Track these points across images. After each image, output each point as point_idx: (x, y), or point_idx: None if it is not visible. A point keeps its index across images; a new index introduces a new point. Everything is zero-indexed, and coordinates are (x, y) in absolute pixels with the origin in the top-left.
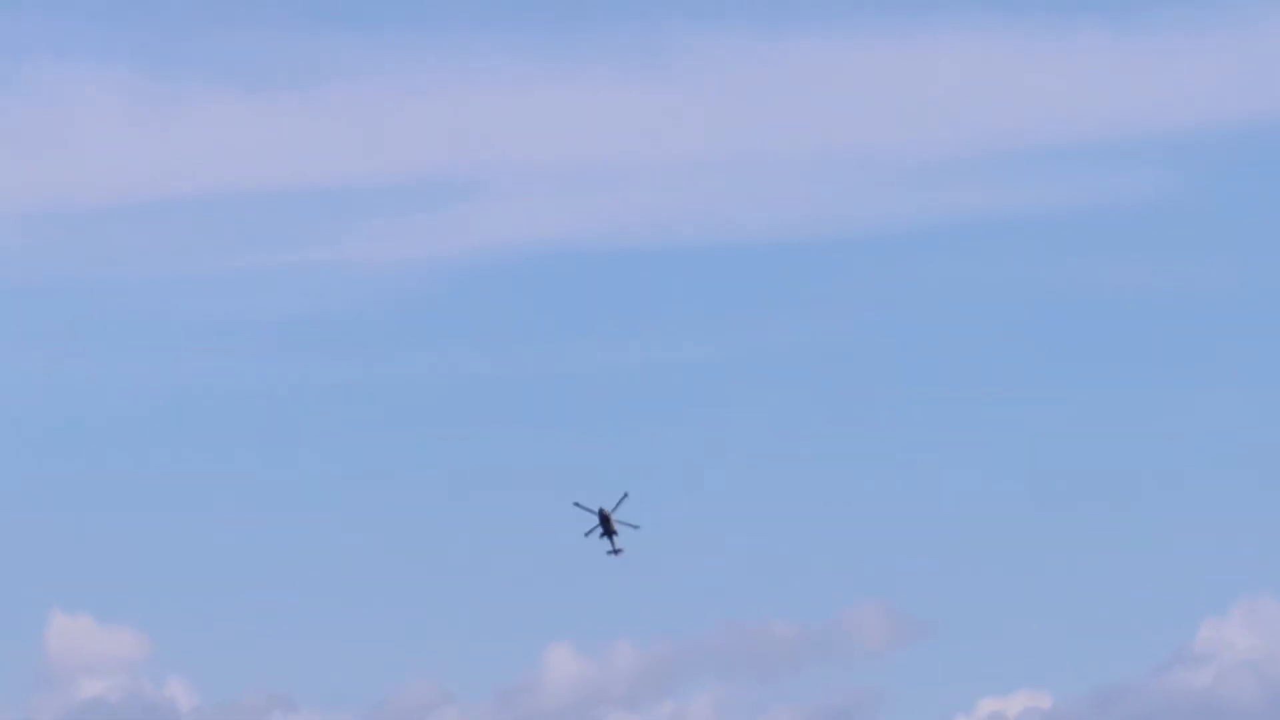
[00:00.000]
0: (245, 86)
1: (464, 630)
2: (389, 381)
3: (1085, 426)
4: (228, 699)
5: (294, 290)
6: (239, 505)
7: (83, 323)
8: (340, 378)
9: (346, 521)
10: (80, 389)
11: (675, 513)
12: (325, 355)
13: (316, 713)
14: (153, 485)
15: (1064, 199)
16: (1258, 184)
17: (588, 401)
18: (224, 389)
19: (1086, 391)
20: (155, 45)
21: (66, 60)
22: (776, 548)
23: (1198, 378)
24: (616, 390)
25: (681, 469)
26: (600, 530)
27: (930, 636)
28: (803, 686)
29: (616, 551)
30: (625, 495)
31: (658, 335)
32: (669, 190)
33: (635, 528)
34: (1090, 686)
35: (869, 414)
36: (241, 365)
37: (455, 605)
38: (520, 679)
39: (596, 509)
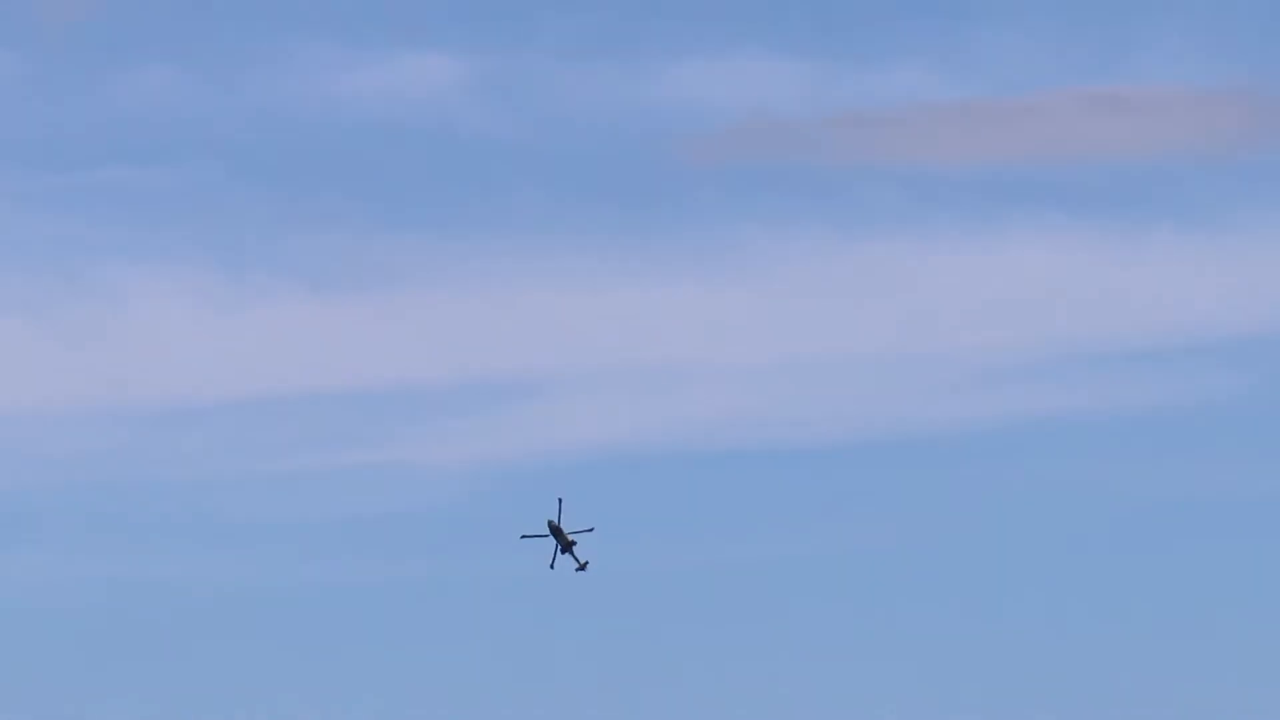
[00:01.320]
0: (312, 287)
1: None
2: (456, 582)
3: (1154, 631)
4: None
5: (361, 491)
6: (300, 703)
7: (148, 523)
8: (408, 577)
9: None
10: (145, 588)
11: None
12: (392, 556)
13: None
14: (218, 683)
15: (1135, 401)
16: None
17: (650, 602)
18: (288, 589)
19: (1160, 596)
20: (224, 245)
21: (137, 261)
22: None
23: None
24: (679, 591)
25: (743, 670)
26: (558, 548)
27: None
28: None
29: (583, 566)
30: (561, 500)
31: (725, 538)
32: (738, 393)
33: (589, 530)
34: None
35: (938, 617)
36: (307, 565)
37: None
38: None
39: (545, 529)
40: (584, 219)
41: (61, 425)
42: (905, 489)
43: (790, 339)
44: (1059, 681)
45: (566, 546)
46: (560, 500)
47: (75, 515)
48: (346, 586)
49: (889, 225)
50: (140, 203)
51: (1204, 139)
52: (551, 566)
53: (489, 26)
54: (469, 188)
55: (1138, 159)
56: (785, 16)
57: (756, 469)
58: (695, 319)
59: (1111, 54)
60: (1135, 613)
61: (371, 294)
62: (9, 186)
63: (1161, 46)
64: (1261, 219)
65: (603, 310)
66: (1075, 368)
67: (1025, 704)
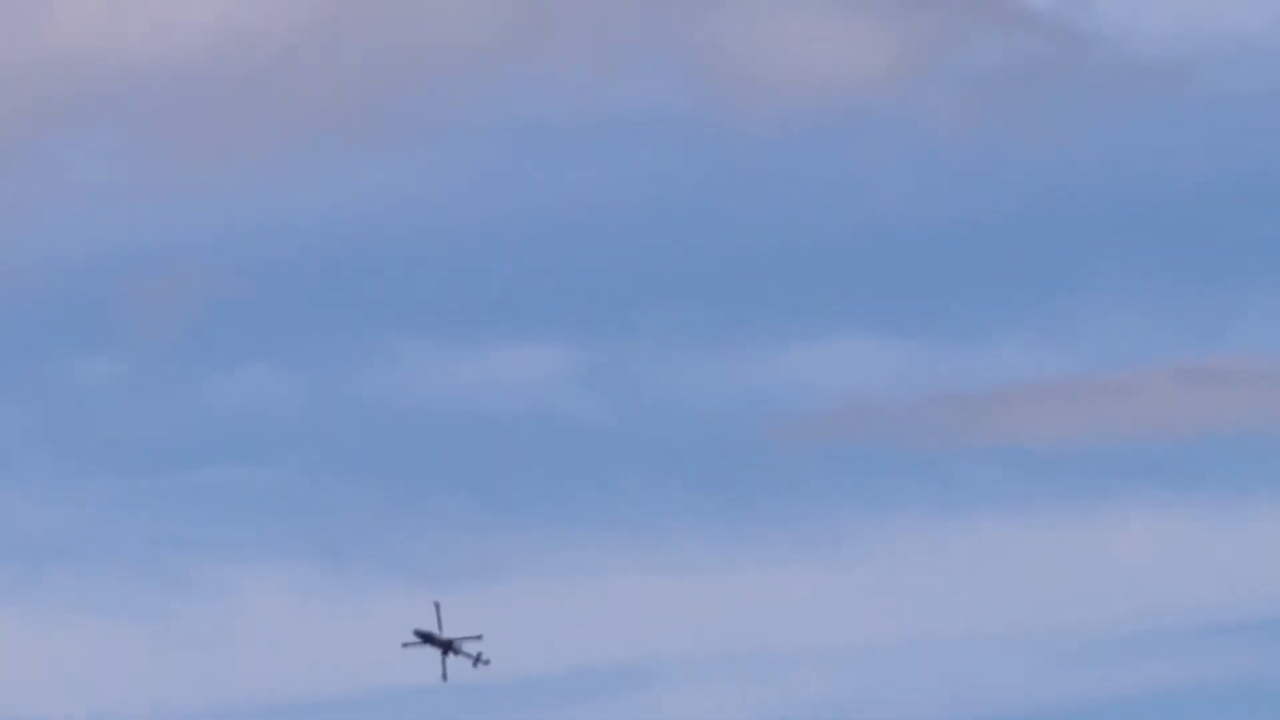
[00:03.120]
0: (417, 580)
1: None
2: None
3: None
4: None
5: None
6: None
7: None
8: None
9: None
10: None
11: None
12: None
13: None
14: None
15: (1251, 674)
16: None
17: None
18: None
19: None
20: (329, 543)
21: (240, 559)
22: None
23: None
24: None
25: None
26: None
27: None
28: None
29: (478, 659)
30: (438, 604)
31: None
32: (844, 676)
33: (477, 638)
34: None
35: None
36: None
37: None
38: None
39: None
40: (687, 506)
41: None
42: None
43: (895, 621)
44: None
45: (447, 647)
46: (437, 604)
47: None
48: None
49: (991, 504)
50: (242, 502)
51: None
52: (444, 677)
53: (590, 317)
54: (572, 477)
55: (1240, 432)
56: (882, 298)
57: None
58: (799, 603)
59: (1210, 326)
60: None
61: (475, 586)
62: (111, 490)
63: (1261, 318)
64: None
65: (707, 597)
66: (1182, 641)
67: None
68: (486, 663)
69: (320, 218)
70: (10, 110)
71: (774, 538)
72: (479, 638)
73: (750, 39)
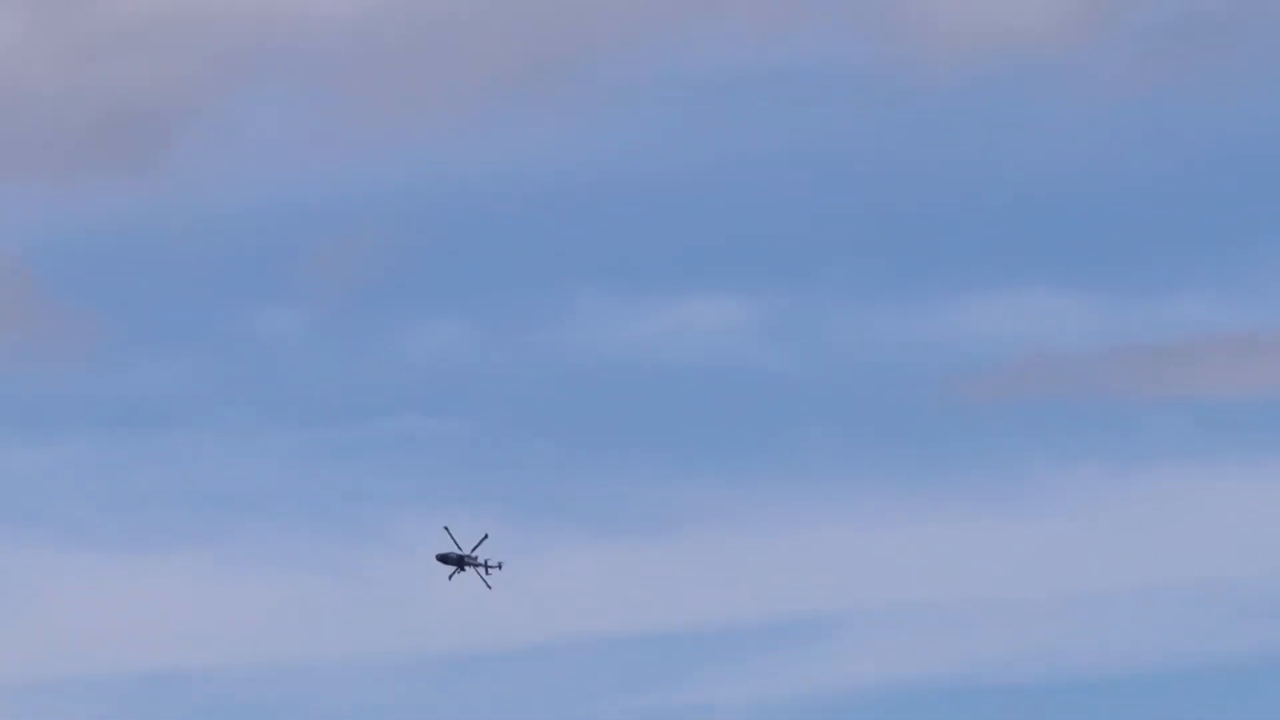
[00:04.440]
0: (601, 532)
1: None
2: None
3: None
4: None
5: None
6: None
7: None
8: None
9: None
10: None
11: None
12: None
13: None
14: None
15: None
16: None
17: None
18: None
19: None
20: (516, 496)
21: (427, 510)
22: None
23: None
24: None
25: None
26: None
27: None
28: None
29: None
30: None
31: None
32: (1029, 627)
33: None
34: None
35: None
36: None
37: None
38: None
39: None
40: (870, 458)
41: (357, 677)
42: None
43: (1079, 573)
44: None
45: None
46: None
47: None
48: None
49: (1175, 457)
50: (427, 453)
51: None
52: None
53: (773, 270)
54: (755, 429)
55: None
56: (1065, 251)
57: (1047, 703)
58: (982, 555)
59: None
60: None
61: (660, 538)
62: (296, 442)
63: None
64: None
65: (890, 549)
66: None
67: None
68: (498, 566)
69: (502, 172)
70: (192, 66)
71: (958, 490)
72: (499, 565)
73: None
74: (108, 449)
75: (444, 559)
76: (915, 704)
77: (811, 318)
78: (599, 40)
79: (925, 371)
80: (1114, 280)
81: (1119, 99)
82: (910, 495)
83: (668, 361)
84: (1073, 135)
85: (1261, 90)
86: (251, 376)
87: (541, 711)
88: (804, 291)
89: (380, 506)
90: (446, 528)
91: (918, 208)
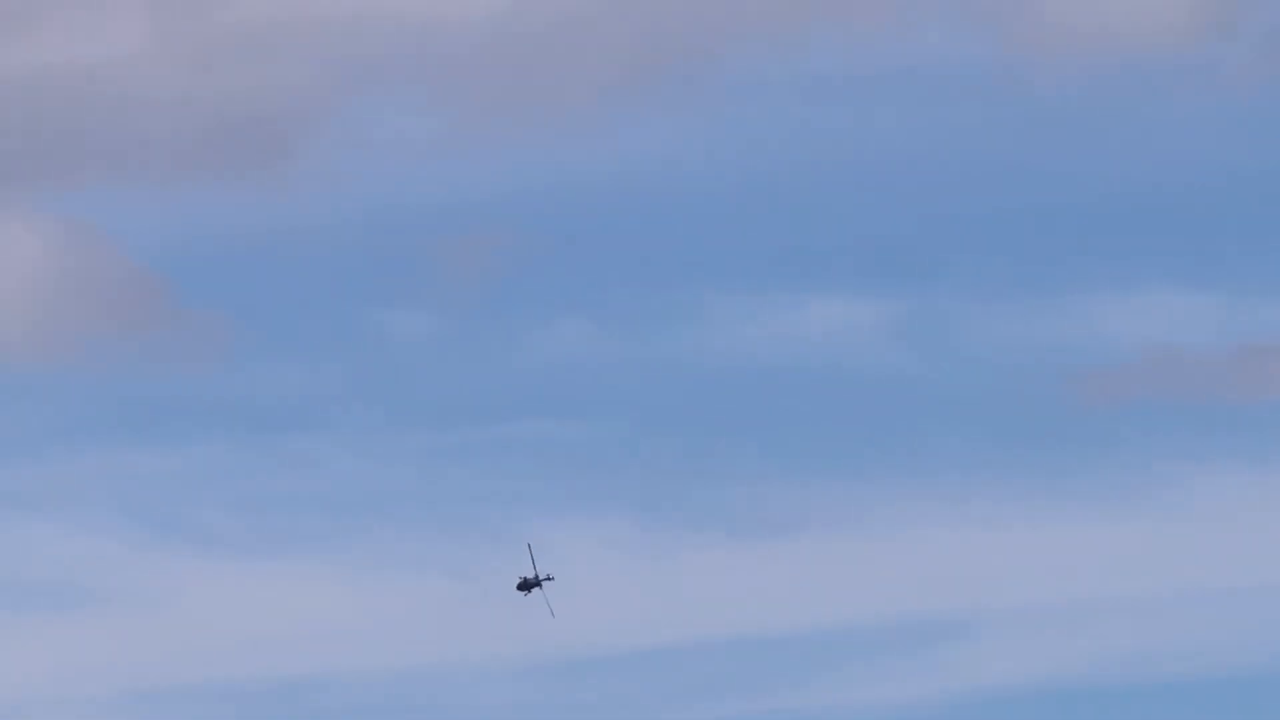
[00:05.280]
0: (728, 534)
1: None
2: None
3: None
4: None
5: None
6: None
7: None
8: None
9: None
10: None
11: None
12: None
13: None
14: None
15: None
16: None
17: None
18: None
19: None
20: (646, 498)
21: (556, 514)
22: None
23: None
24: None
25: None
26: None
27: None
28: None
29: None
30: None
31: None
32: (1153, 629)
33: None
34: None
35: None
36: None
37: None
38: None
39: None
40: (995, 458)
41: (484, 680)
42: None
43: (1209, 572)
44: None
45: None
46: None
47: None
48: None
49: None
50: (557, 456)
51: None
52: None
53: (899, 269)
54: (880, 430)
55: None
56: (1190, 250)
57: (1185, 703)
58: (1109, 556)
59: None
60: None
61: (790, 539)
62: (425, 444)
63: None
64: None
65: (1016, 549)
66: None
67: None
68: (550, 578)
69: (628, 172)
70: (317, 69)
71: (1084, 490)
72: (550, 578)
73: None
74: (238, 453)
75: (522, 586)
76: (1043, 707)
77: (937, 318)
78: (724, 39)
79: (1050, 371)
80: (1240, 279)
81: (1244, 97)
82: (1036, 495)
83: (793, 362)
84: (1197, 133)
85: None
86: (380, 379)
87: (668, 714)
88: (929, 291)
89: (509, 510)
90: (529, 545)
91: (1042, 207)
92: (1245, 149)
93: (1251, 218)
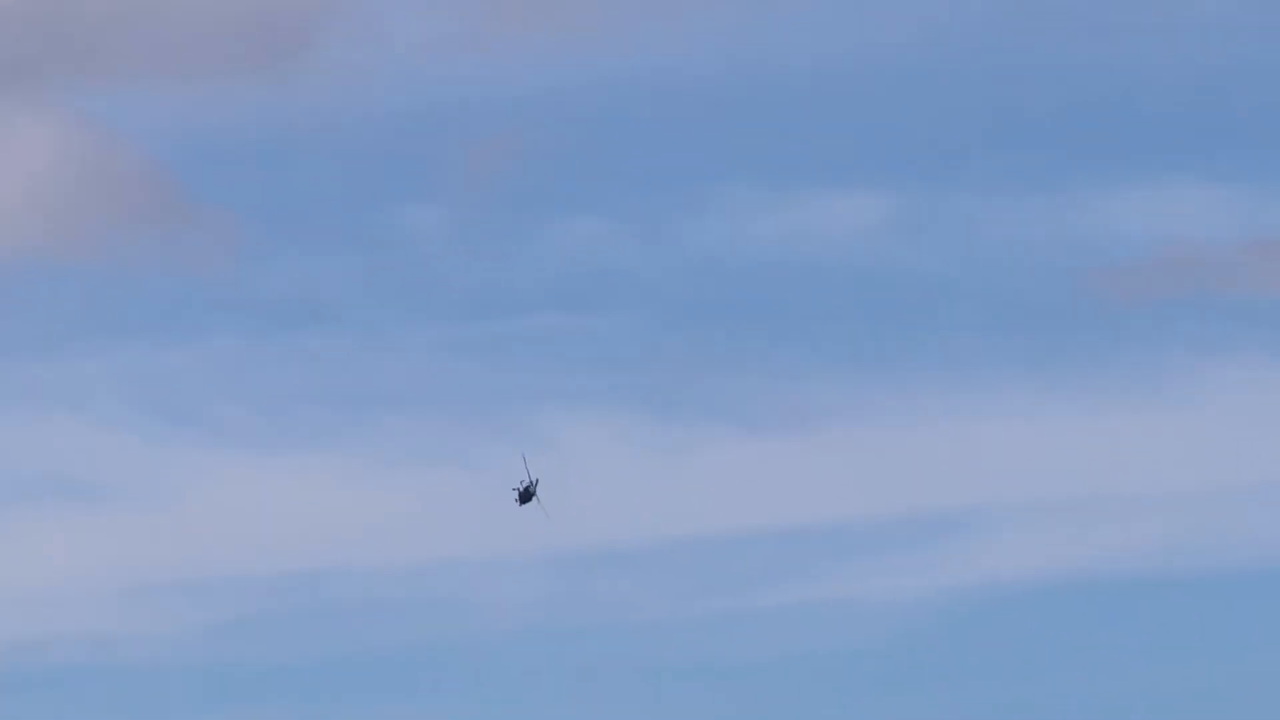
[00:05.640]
0: (742, 427)
1: None
2: (893, 719)
3: None
4: None
5: (796, 628)
6: None
7: (586, 666)
8: (839, 715)
9: None
10: None
11: None
12: (825, 694)
13: None
14: None
15: None
16: None
17: None
18: None
19: None
20: (654, 390)
21: (570, 407)
22: None
23: None
24: None
25: None
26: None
27: None
28: None
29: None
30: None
31: (1164, 666)
32: (1163, 521)
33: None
34: None
35: None
36: (741, 706)
37: None
38: None
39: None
40: (1010, 352)
41: (499, 572)
42: None
43: (1222, 467)
44: None
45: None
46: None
47: (511, 662)
48: None
49: None
50: (571, 350)
51: None
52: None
53: (915, 164)
54: (895, 325)
55: None
56: (1209, 145)
57: (1191, 598)
58: (1125, 449)
59: None
60: None
61: (802, 433)
62: (440, 339)
63: None
64: None
65: (1031, 442)
66: None
67: None
68: (537, 481)
69: (645, 71)
70: None
71: (1100, 384)
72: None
73: None
74: (251, 348)
75: (524, 497)
76: (1055, 597)
77: (953, 213)
78: None
79: (1067, 266)
80: (1259, 173)
81: None
82: (1052, 390)
83: (809, 257)
84: (1216, 28)
85: None
86: (395, 275)
87: (681, 605)
88: (946, 187)
89: (523, 403)
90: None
91: (1058, 102)
92: (1261, 43)
93: (1268, 112)
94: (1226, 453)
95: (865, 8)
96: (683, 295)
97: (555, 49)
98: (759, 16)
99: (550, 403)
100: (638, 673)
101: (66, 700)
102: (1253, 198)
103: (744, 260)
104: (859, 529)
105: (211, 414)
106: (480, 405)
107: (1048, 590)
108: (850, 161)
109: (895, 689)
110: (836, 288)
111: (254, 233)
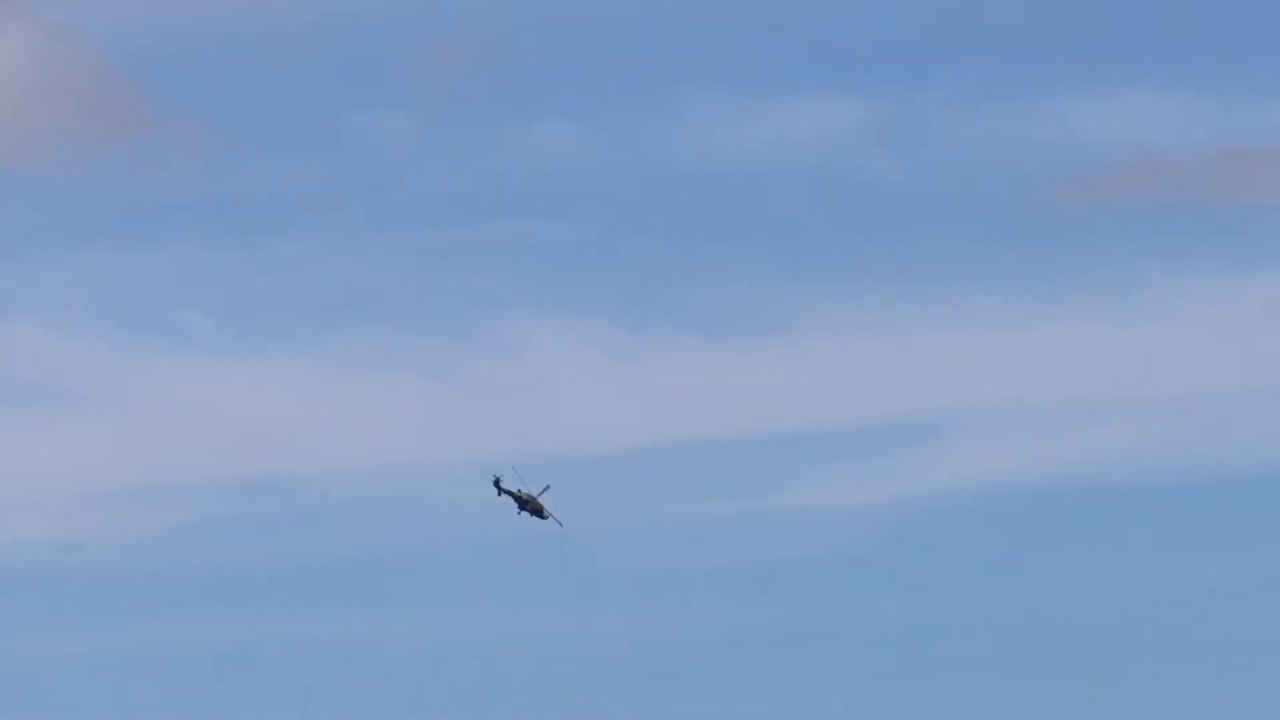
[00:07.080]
0: (709, 335)
1: None
2: (852, 626)
3: None
4: None
5: (761, 536)
6: None
7: (552, 573)
8: (805, 623)
9: None
10: (540, 641)
11: None
12: (789, 601)
13: None
14: None
15: None
16: None
17: (1058, 641)
18: (689, 636)
19: None
20: (621, 297)
21: (536, 313)
22: None
23: None
24: (1090, 629)
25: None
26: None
27: None
28: None
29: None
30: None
31: (1126, 574)
32: (1139, 428)
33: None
34: None
35: None
36: (704, 612)
37: None
38: None
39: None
40: (978, 260)
41: (464, 478)
42: None
43: (1190, 374)
44: None
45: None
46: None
47: (475, 568)
48: (745, 632)
49: None
50: (537, 256)
51: None
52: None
53: (881, 72)
54: (864, 232)
55: None
56: (1173, 52)
57: (1158, 504)
58: (1092, 357)
59: None
60: None
61: (768, 340)
62: (404, 244)
63: None
64: None
65: (999, 350)
66: None
67: None
68: (547, 488)
69: None
70: None
71: (1065, 292)
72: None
73: None
74: (217, 254)
75: (521, 503)
76: (1021, 504)
77: (919, 120)
78: None
79: (1032, 174)
80: (1223, 81)
81: None
82: (1017, 298)
83: (774, 165)
84: None
85: None
86: (360, 180)
87: (648, 512)
88: (911, 94)
89: (489, 309)
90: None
91: (1023, 9)
92: None
93: (1234, 19)
94: (1191, 360)
95: None
96: (651, 202)
97: None
98: None
99: (516, 309)
100: (599, 578)
101: (30, 604)
102: (1219, 106)
103: (712, 167)
104: (826, 436)
105: (176, 320)
106: (446, 311)
107: (1014, 496)
108: (818, 69)
109: (862, 595)
110: (803, 196)
111: (219, 139)
